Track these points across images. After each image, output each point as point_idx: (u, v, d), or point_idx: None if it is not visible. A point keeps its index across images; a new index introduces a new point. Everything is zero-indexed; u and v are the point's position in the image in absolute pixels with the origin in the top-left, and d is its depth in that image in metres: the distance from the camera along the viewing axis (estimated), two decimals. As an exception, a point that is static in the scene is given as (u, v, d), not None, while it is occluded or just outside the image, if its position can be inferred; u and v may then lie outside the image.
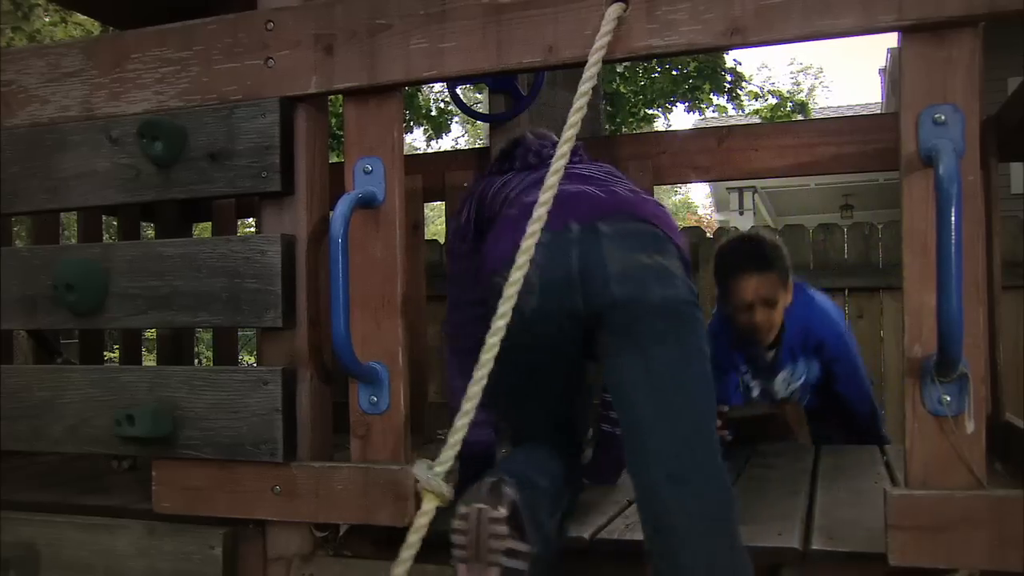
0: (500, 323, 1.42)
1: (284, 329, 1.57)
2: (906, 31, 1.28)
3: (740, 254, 2.39)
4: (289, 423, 1.56)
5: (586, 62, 1.38)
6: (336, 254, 1.44)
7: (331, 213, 1.47)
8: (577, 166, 1.69)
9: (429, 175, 2.94)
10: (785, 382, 2.47)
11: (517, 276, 1.43)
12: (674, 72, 10.22)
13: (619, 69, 9.58)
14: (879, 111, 11.06)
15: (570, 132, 1.37)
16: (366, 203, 1.51)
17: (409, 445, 1.54)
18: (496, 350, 1.43)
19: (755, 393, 2.52)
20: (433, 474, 1.44)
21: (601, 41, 1.37)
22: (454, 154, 3.40)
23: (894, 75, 9.37)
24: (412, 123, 10.66)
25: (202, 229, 4.00)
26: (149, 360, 5.25)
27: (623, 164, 2.10)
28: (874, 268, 3.82)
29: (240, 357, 4.40)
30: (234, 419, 1.57)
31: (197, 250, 1.62)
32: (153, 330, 4.38)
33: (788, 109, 11.16)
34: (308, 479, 1.55)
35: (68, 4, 4.50)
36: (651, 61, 9.73)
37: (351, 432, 1.55)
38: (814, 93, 20.36)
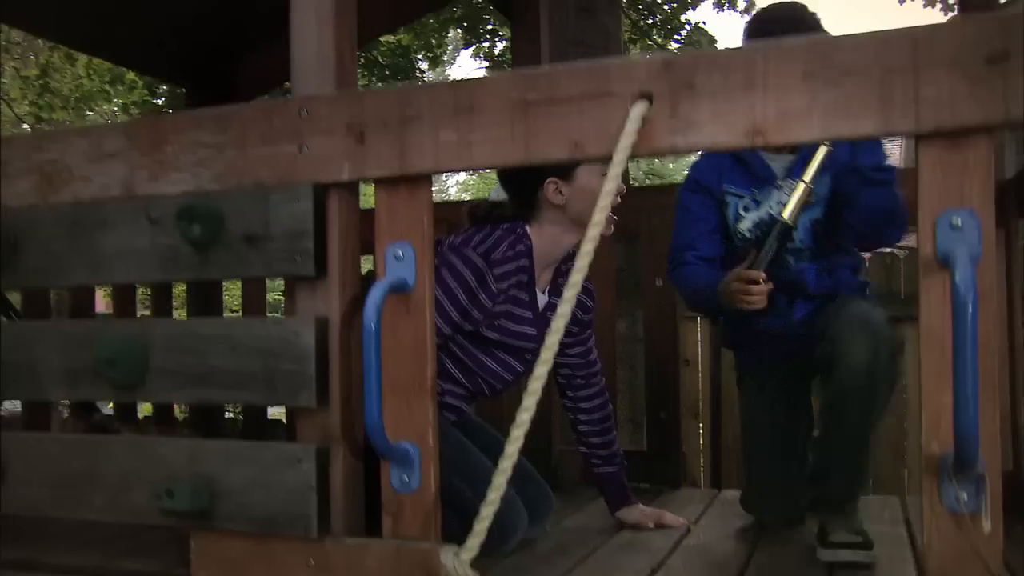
0: (542, 369, 1.42)
1: (318, 408, 1.62)
2: (922, 138, 1.31)
3: (767, 30, 1.99)
4: (323, 500, 1.61)
5: (611, 159, 1.43)
6: (369, 342, 1.49)
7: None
8: None
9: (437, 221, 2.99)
10: (780, 203, 2.11)
11: (560, 324, 1.44)
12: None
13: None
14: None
15: (594, 231, 1.41)
16: (397, 289, 1.56)
17: (439, 522, 1.59)
18: (538, 396, 1.43)
19: (746, 225, 2.18)
20: (460, 561, 1.50)
21: (626, 141, 1.41)
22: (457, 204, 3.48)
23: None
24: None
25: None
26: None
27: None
28: (896, 297, 3.85)
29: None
30: (269, 495, 1.62)
31: (234, 331, 1.67)
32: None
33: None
34: (341, 555, 1.60)
35: (80, 48, 4.66)
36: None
37: (383, 509, 1.60)
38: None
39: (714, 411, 4.25)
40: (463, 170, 1.61)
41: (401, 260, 1.58)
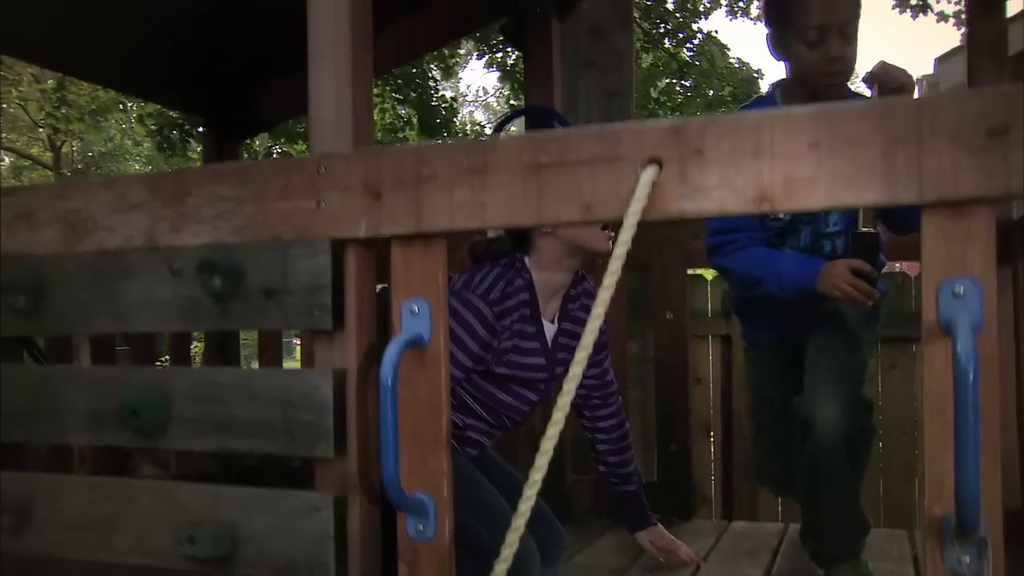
0: (554, 431, 1.46)
1: (336, 458, 1.67)
2: (925, 207, 1.34)
3: None
4: (340, 547, 1.66)
5: (622, 222, 1.46)
6: (385, 396, 1.53)
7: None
8: None
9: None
10: None
11: (573, 385, 1.48)
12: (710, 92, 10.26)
13: (654, 95, 9.64)
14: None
15: (605, 295, 1.44)
16: (413, 344, 1.60)
17: (454, 571, 1.63)
18: (550, 456, 1.48)
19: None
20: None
21: (636, 205, 1.44)
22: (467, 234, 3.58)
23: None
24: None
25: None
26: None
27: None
28: (907, 317, 3.87)
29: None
30: (289, 542, 1.67)
31: (253, 381, 1.72)
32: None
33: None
34: (358, 602, 1.64)
35: (89, 79, 4.80)
36: (683, 92, 9.79)
37: (399, 558, 1.65)
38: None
39: (725, 429, 4.30)
40: (477, 229, 1.65)
41: (416, 315, 1.62)
